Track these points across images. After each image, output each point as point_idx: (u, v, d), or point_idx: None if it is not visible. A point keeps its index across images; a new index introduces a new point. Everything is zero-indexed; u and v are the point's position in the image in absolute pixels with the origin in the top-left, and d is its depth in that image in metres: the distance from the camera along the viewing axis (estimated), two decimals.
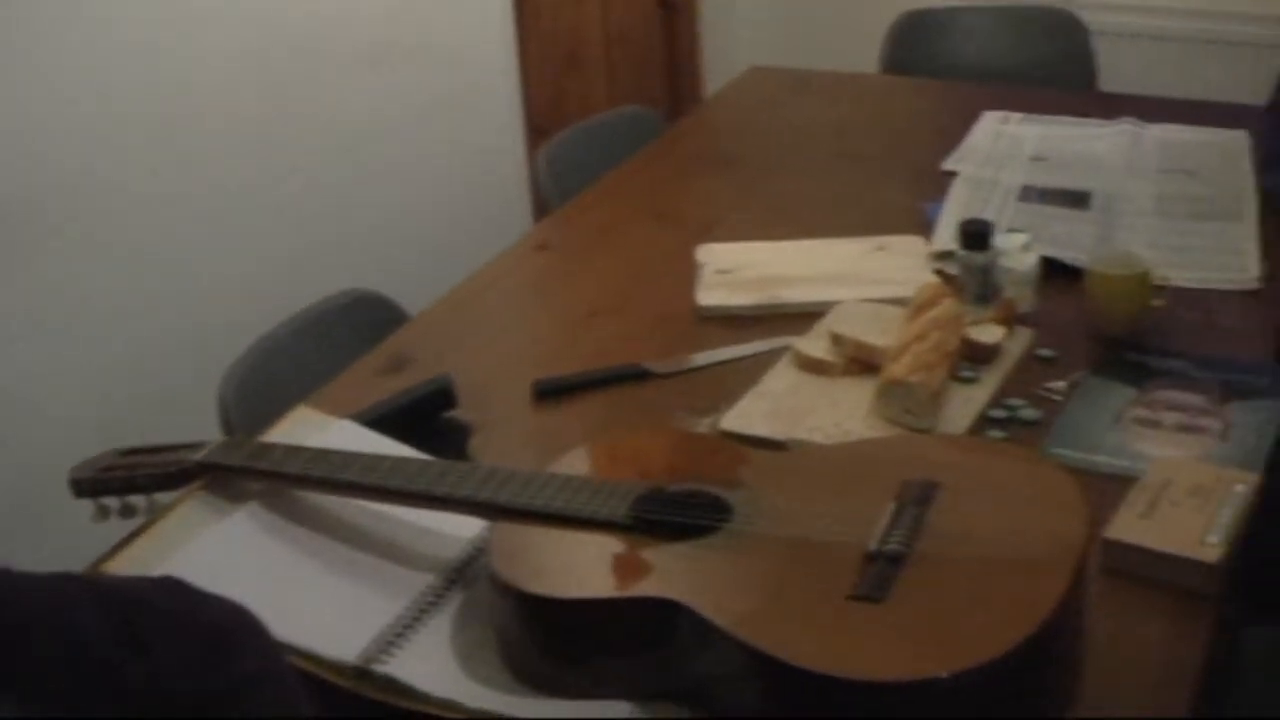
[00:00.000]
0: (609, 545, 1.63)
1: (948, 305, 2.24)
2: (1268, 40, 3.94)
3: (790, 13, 5.17)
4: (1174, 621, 1.72)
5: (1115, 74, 4.21)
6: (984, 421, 2.12)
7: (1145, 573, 1.78)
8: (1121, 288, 2.33)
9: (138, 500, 1.95)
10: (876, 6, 4.39)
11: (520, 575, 1.59)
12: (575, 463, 1.81)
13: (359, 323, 2.64)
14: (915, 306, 2.26)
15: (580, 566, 1.61)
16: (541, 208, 3.25)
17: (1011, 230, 2.55)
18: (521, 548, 1.65)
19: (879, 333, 2.23)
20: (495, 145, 4.09)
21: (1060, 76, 3.99)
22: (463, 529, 1.79)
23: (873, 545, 1.55)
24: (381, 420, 2.10)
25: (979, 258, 2.38)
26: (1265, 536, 2.30)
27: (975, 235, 2.39)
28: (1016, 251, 2.42)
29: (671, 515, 1.65)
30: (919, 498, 1.62)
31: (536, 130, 4.12)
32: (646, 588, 1.55)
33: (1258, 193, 2.88)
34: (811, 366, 2.24)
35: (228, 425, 2.39)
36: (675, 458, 1.82)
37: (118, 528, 1.91)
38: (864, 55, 4.12)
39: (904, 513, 1.60)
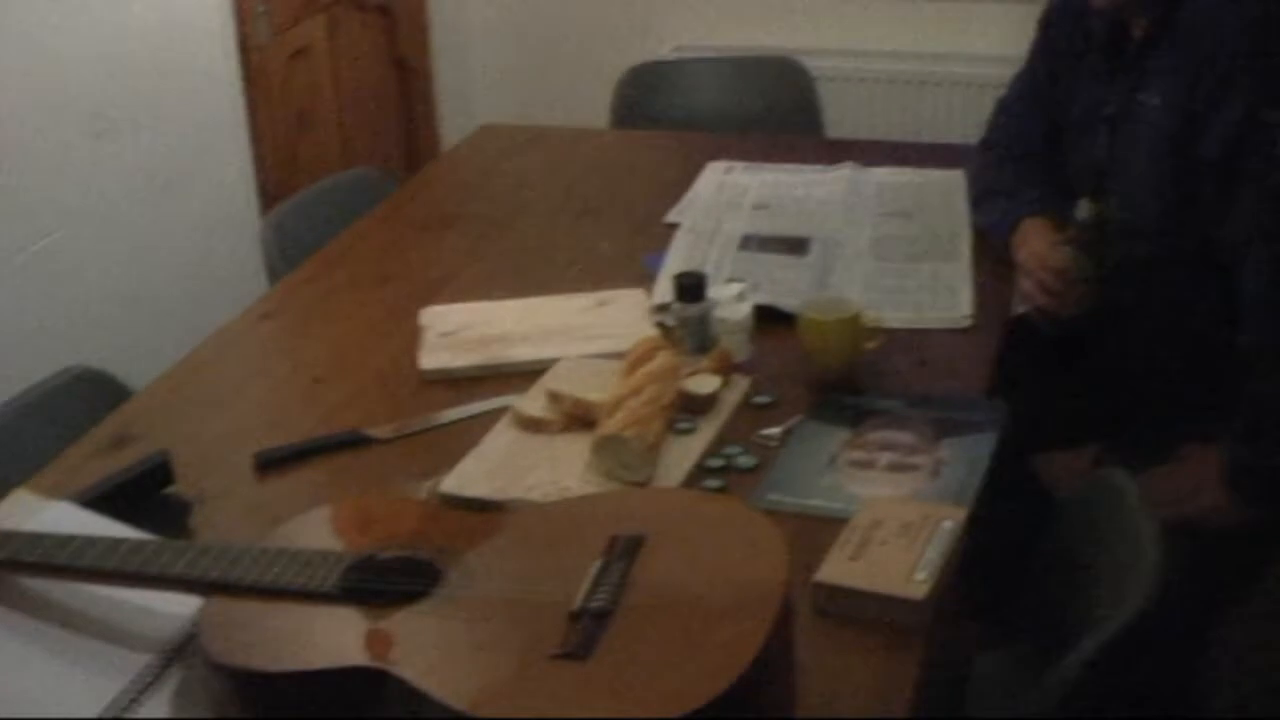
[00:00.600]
0: (320, 616, 1.63)
1: (664, 358, 2.28)
2: (984, 79, 4.05)
3: (525, 69, 5.21)
4: (886, 658, 1.77)
5: (841, 118, 4.31)
6: (701, 471, 2.15)
7: (857, 613, 1.82)
8: (833, 332, 2.39)
9: None
10: (608, 60, 4.43)
11: (230, 650, 1.59)
12: (291, 534, 1.81)
13: (85, 401, 2.60)
14: (632, 361, 2.29)
15: (290, 639, 1.61)
16: (274, 275, 3.23)
17: (730, 280, 2.60)
18: (233, 623, 1.64)
19: (597, 388, 2.26)
20: (227, 213, 4.05)
21: (787, 123, 4.07)
22: (180, 607, 1.77)
23: (577, 603, 1.57)
24: (99, 500, 2.07)
25: (694, 309, 2.43)
26: (988, 566, 2.38)
27: (689, 288, 2.44)
28: (731, 301, 2.46)
29: (381, 583, 1.66)
30: (625, 552, 1.65)
31: (270, 195, 4.09)
32: (355, 657, 1.55)
33: (971, 231, 2.97)
34: (530, 425, 2.26)
35: None
36: (392, 524, 1.82)
37: None
38: (598, 109, 4.16)
39: (610, 568, 1.62)
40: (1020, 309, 2.79)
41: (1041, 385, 2.88)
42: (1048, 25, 2.95)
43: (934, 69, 4.70)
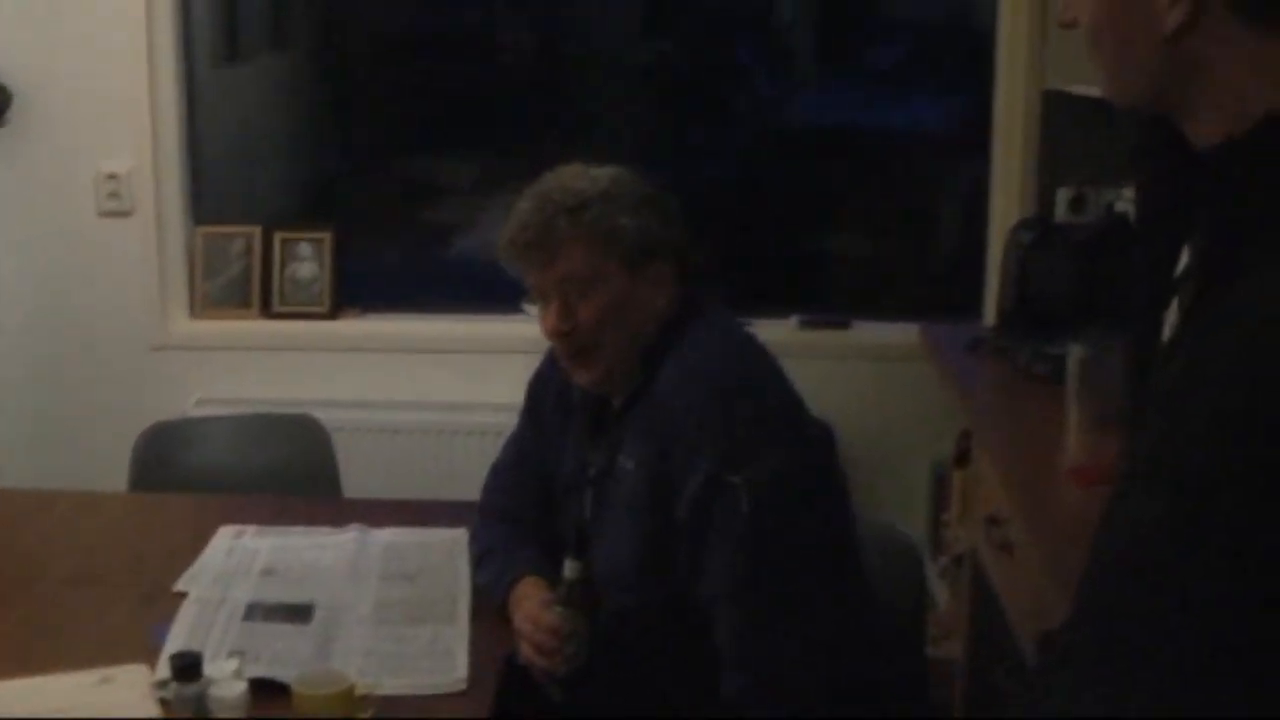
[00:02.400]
0: None
1: None
2: (503, 427, 4.22)
3: (43, 430, 5.18)
4: None
5: (359, 474, 4.43)
6: None
7: None
8: (324, 706, 2.47)
9: None
10: (130, 417, 4.47)
11: None
12: None
13: None
14: None
15: None
16: None
17: (231, 653, 2.67)
18: None
19: None
20: None
21: (304, 483, 4.15)
22: None
23: None
24: None
25: (190, 689, 2.49)
26: None
27: (183, 667, 2.50)
28: (228, 678, 2.53)
29: None
30: None
31: None
32: None
33: (472, 591, 3.11)
34: None
35: None
36: None
37: None
38: (118, 472, 4.17)
39: None
40: (523, 662, 2.92)
41: None
42: (534, 391, 3.15)
43: (451, 419, 4.89)
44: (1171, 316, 1.78)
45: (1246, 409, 1.55)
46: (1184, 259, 1.78)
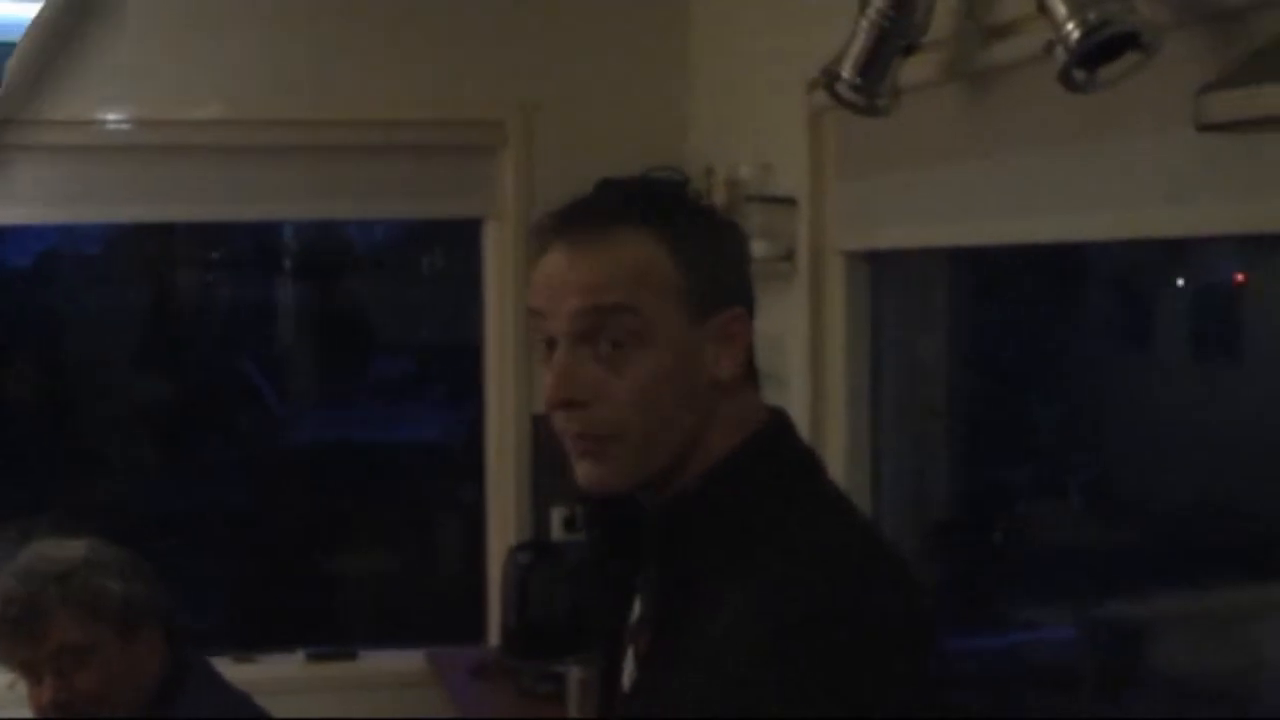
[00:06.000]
0: None
1: None
2: None
3: None
4: None
5: None
6: None
7: None
8: None
9: None
10: None
11: None
12: None
13: None
14: None
15: None
16: None
17: None
18: None
19: None
20: None
21: None
22: None
23: None
24: None
25: None
26: None
27: None
28: None
29: None
30: None
31: None
32: None
33: None
34: None
35: None
36: None
37: None
38: None
39: None
40: None
41: None
42: None
43: None
44: (629, 664, 1.90)
45: None
46: (636, 609, 1.91)
